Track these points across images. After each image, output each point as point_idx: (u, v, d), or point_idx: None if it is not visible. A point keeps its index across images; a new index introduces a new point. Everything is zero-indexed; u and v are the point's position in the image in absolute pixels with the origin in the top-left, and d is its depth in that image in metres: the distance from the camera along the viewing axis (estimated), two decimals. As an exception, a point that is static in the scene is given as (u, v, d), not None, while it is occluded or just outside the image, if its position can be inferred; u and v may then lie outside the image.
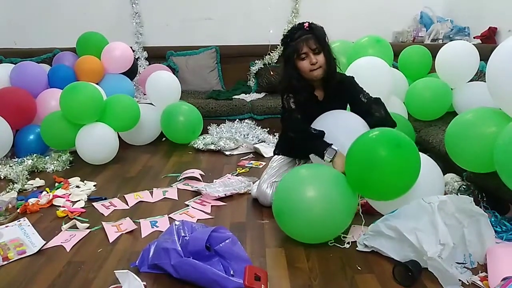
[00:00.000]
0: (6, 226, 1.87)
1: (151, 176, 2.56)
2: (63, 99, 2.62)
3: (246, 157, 2.93)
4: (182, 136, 3.14)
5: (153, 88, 3.17)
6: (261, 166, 2.70)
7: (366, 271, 1.52)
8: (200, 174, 2.48)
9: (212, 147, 3.04)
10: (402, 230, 1.52)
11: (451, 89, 2.70)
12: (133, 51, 3.88)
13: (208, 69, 4.09)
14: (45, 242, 1.72)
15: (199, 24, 4.22)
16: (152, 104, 3.22)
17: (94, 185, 2.38)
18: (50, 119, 2.71)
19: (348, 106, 2.03)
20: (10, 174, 2.48)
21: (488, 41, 3.39)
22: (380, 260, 1.58)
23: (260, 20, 4.16)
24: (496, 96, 1.66)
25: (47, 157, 2.77)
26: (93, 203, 2.13)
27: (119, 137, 2.86)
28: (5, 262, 1.60)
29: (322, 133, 1.80)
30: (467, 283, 1.43)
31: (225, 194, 2.18)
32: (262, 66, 4.09)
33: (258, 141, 3.19)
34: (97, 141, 2.65)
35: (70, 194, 2.23)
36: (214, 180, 2.42)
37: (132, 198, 2.20)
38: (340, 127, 1.83)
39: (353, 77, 1.98)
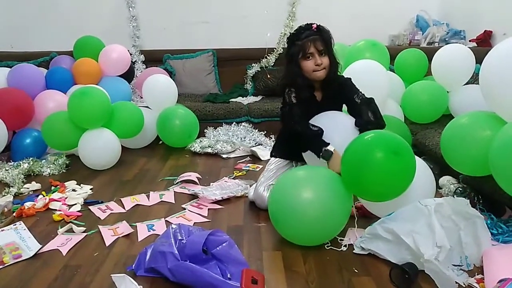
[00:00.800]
0: (2, 230, 1.86)
1: (147, 179, 2.56)
2: (72, 102, 2.61)
3: (243, 160, 2.93)
4: (178, 140, 3.14)
5: (149, 91, 3.17)
6: (258, 169, 2.70)
7: (363, 274, 1.52)
8: (197, 177, 2.48)
9: (209, 150, 3.04)
10: (399, 232, 1.52)
11: (447, 92, 2.72)
12: (130, 54, 3.88)
13: (205, 72, 4.09)
14: (41, 246, 1.72)
15: (196, 27, 4.23)
16: (149, 108, 3.22)
17: (90, 189, 2.38)
18: (53, 119, 2.69)
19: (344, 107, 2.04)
20: (6, 177, 2.46)
21: (483, 45, 3.41)
22: (377, 262, 1.58)
23: (257, 23, 4.18)
24: (490, 99, 1.67)
25: (44, 160, 2.76)
26: (90, 207, 2.13)
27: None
28: (1, 267, 1.58)
29: (321, 131, 1.80)
30: (464, 285, 1.43)
31: (222, 197, 2.18)
32: (259, 69, 4.10)
33: (255, 144, 3.20)
34: (101, 146, 2.65)
35: (66, 198, 2.22)
36: (211, 183, 2.42)
37: (129, 202, 2.19)
38: (336, 128, 1.84)
39: (350, 79, 2.00)
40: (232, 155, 3.02)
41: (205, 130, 3.36)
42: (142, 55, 4.10)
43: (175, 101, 3.26)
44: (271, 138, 3.25)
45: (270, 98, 3.81)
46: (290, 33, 1.94)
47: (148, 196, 2.26)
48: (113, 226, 1.90)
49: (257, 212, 2.04)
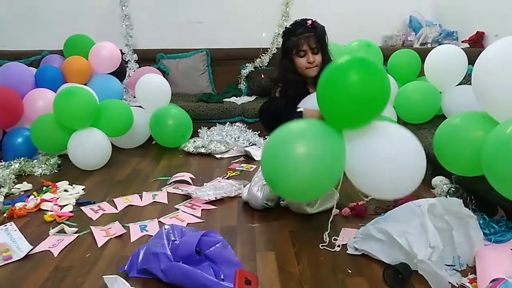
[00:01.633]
0: (-8, 231, 1.84)
1: (140, 179, 2.54)
2: (57, 103, 2.59)
3: (237, 160, 2.93)
4: (171, 140, 3.12)
5: (142, 91, 3.15)
6: (252, 169, 2.70)
7: (356, 274, 1.52)
8: (190, 178, 2.46)
9: (203, 150, 3.03)
10: (392, 233, 1.52)
11: (440, 92, 2.73)
12: (123, 53, 3.87)
13: (198, 72, 4.08)
14: (32, 247, 1.70)
15: (190, 27, 4.21)
16: (142, 107, 3.20)
17: (82, 189, 2.36)
18: (41, 122, 2.67)
19: None
20: (-4, 178, 2.43)
21: (476, 45, 3.43)
22: (370, 263, 1.58)
23: (250, 23, 4.17)
24: (482, 100, 1.68)
25: (35, 160, 2.73)
26: (82, 207, 2.11)
27: (108, 140, 2.84)
28: (-9, 268, 1.57)
29: (290, 104, 1.82)
30: (457, 285, 1.44)
31: (215, 198, 2.17)
32: (253, 69, 4.10)
33: (249, 144, 3.19)
34: (90, 147, 2.63)
35: (58, 198, 2.20)
36: (205, 184, 2.41)
37: (121, 202, 2.17)
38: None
39: None
40: (226, 155, 3.01)
41: (199, 130, 3.35)
42: (135, 55, 4.07)
43: (169, 101, 3.24)
44: (265, 138, 3.23)
45: (264, 98, 3.78)
46: (285, 27, 1.96)
47: (141, 197, 2.25)
48: (105, 227, 1.88)
49: (250, 213, 2.03)
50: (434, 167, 2.11)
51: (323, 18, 1.99)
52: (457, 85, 2.70)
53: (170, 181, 2.45)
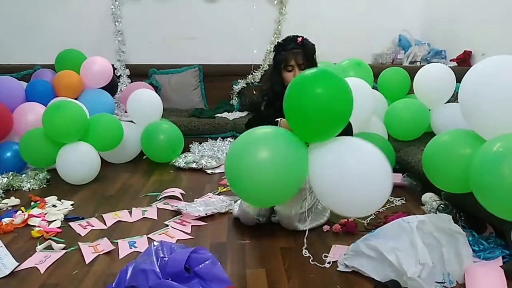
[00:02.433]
0: (-23, 247, 1.80)
1: (130, 195, 2.52)
2: (46, 117, 2.57)
3: (228, 176, 2.91)
4: (162, 155, 3.11)
5: (134, 106, 3.15)
6: (242, 185, 2.69)
7: (346, 292, 1.51)
8: (180, 193, 2.45)
9: (194, 165, 3.02)
10: (382, 250, 1.52)
11: (429, 110, 2.77)
12: (115, 68, 3.87)
13: (191, 87, 4.10)
14: (18, 263, 1.67)
15: (183, 42, 4.24)
16: (133, 122, 3.20)
17: (71, 204, 2.33)
18: (30, 136, 2.65)
19: None
20: (-17, 192, 2.40)
21: (463, 64, 3.50)
22: (360, 280, 1.57)
23: (243, 40, 4.22)
24: (469, 118, 1.71)
25: (24, 175, 2.70)
26: (70, 223, 2.08)
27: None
28: (-25, 285, 1.53)
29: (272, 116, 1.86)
30: (446, 303, 1.44)
31: (206, 214, 2.16)
32: (245, 85, 4.14)
33: (240, 159, 3.18)
34: (79, 161, 2.61)
35: (46, 214, 2.17)
36: (195, 199, 2.39)
37: (111, 218, 2.15)
38: None
39: None
40: (217, 171, 3.01)
41: (190, 145, 3.35)
42: (128, 70, 4.08)
43: (160, 116, 3.24)
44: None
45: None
46: (278, 41, 2.02)
47: (130, 212, 2.23)
48: (93, 243, 1.86)
49: (241, 229, 2.02)
50: (423, 183, 2.13)
51: (315, 37, 2.04)
52: (445, 103, 2.74)
53: (160, 197, 2.43)
